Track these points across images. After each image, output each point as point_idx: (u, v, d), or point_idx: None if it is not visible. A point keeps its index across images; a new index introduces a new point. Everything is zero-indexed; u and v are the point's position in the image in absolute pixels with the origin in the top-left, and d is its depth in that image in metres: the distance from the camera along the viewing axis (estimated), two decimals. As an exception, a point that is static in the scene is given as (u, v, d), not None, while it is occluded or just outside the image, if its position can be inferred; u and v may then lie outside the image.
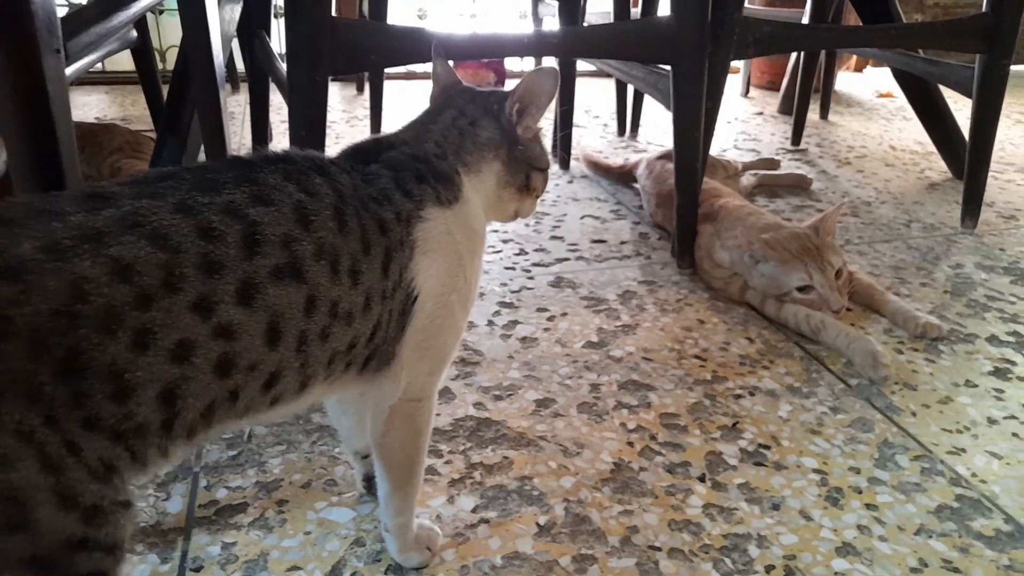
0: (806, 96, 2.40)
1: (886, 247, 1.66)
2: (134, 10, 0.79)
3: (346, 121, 2.61)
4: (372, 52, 1.14)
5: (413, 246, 0.66)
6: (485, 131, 0.75)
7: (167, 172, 0.57)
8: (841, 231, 1.75)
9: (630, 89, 2.51)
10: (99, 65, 3.06)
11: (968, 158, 1.71)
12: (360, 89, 3.10)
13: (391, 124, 2.54)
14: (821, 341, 1.22)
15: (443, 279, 0.69)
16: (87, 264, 0.48)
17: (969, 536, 0.85)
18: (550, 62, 3.15)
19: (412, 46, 1.15)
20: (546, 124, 2.58)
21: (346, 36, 1.11)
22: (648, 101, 2.72)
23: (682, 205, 1.43)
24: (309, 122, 1.13)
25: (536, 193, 0.80)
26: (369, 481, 0.85)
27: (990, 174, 2.20)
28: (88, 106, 2.75)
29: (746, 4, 3.13)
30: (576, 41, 1.26)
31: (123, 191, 0.53)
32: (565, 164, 2.18)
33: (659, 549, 0.81)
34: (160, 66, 3.03)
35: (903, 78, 2.11)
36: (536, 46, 1.22)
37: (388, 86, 3.26)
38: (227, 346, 0.54)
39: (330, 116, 2.68)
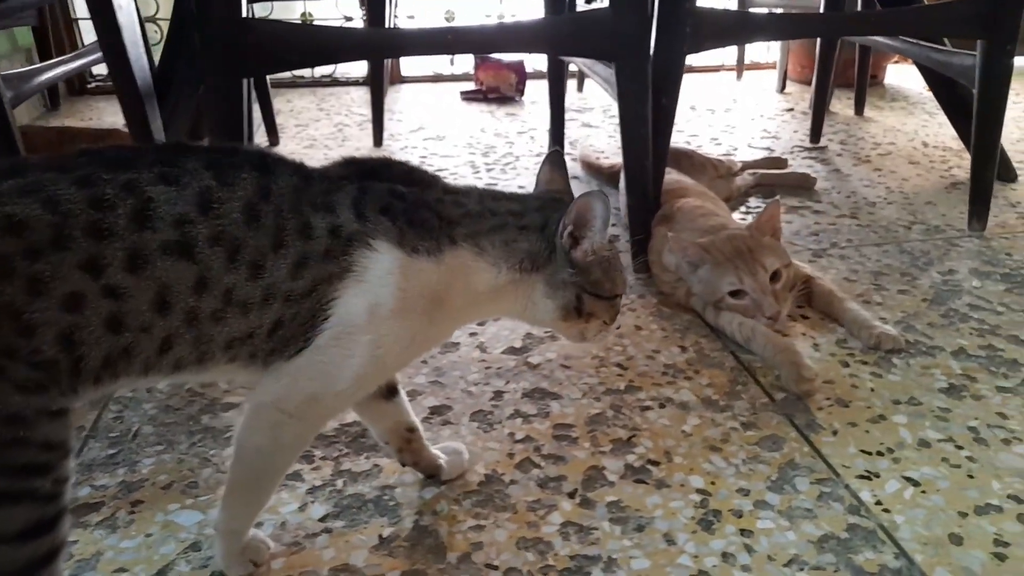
0: (823, 91, 2.26)
1: (874, 251, 1.54)
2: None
3: (359, 125, 2.64)
4: (289, 52, 1.13)
5: (348, 268, 0.65)
6: (527, 242, 0.74)
7: (96, 149, 0.63)
8: (832, 233, 1.64)
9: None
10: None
11: (973, 154, 1.57)
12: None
13: (406, 126, 2.57)
14: (753, 350, 1.14)
15: (362, 316, 0.66)
16: None
17: (847, 571, 0.77)
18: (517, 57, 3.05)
19: (331, 45, 1.14)
20: (542, 124, 2.52)
21: (261, 37, 1.11)
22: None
23: (633, 207, 1.37)
24: (226, 126, 1.14)
25: (600, 319, 0.78)
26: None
27: (1027, 171, 2.03)
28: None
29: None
30: (503, 36, 1.22)
31: (39, 163, 0.60)
32: (560, 165, 2.13)
33: (496, 568, 0.77)
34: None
35: (921, 66, 1.96)
36: (458, 43, 1.19)
37: (411, 88, 3.31)
38: (115, 305, 0.59)
39: (343, 119, 2.72)
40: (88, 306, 0.58)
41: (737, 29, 1.39)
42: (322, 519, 0.84)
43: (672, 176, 1.57)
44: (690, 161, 1.79)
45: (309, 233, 0.64)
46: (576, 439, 0.97)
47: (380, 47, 1.18)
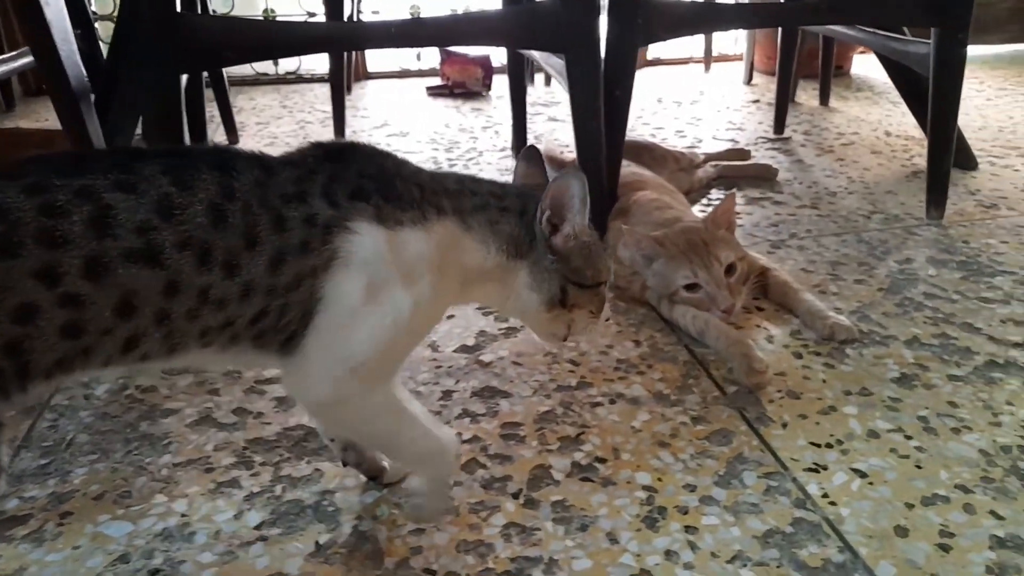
0: (786, 82, 2.26)
1: (833, 240, 1.54)
2: None
3: (321, 122, 2.60)
4: (225, 48, 1.10)
5: (332, 256, 0.64)
6: (508, 226, 0.72)
7: (47, 156, 0.61)
8: (791, 223, 1.64)
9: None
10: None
11: (929, 143, 1.57)
12: (348, 89, 3.09)
13: (370, 123, 2.54)
14: (706, 343, 1.13)
15: (357, 294, 0.65)
16: None
17: (790, 566, 0.76)
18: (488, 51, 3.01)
19: (268, 40, 1.11)
20: (507, 119, 2.51)
21: (195, 32, 1.08)
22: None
23: (588, 200, 1.35)
24: (162, 124, 1.10)
25: (585, 309, 0.77)
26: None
27: (988, 159, 2.05)
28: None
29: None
30: (453, 29, 1.19)
31: None
32: (523, 159, 2.11)
33: (434, 573, 0.75)
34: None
35: (880, 55, 1.96)
36: (403, 36, 1.16)
37: (377, 85, 3.28)
38: (73, 313, 0.56)
39: (306, 116, 2.69)
40: (42, 316, 0.55)
41: (692, 19, 1.37)
42: (257, 527, 0.82)
43: (630, 169, 1.55)
44: (651, 154, 1.78)
45: (283, 226, 0.63)
46: (524, 438, 0.96)
47: (321, 41, 1.15)
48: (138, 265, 0.58)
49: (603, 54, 1.32)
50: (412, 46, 1.02)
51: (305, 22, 1.02)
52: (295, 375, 0.68)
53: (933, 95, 1.52)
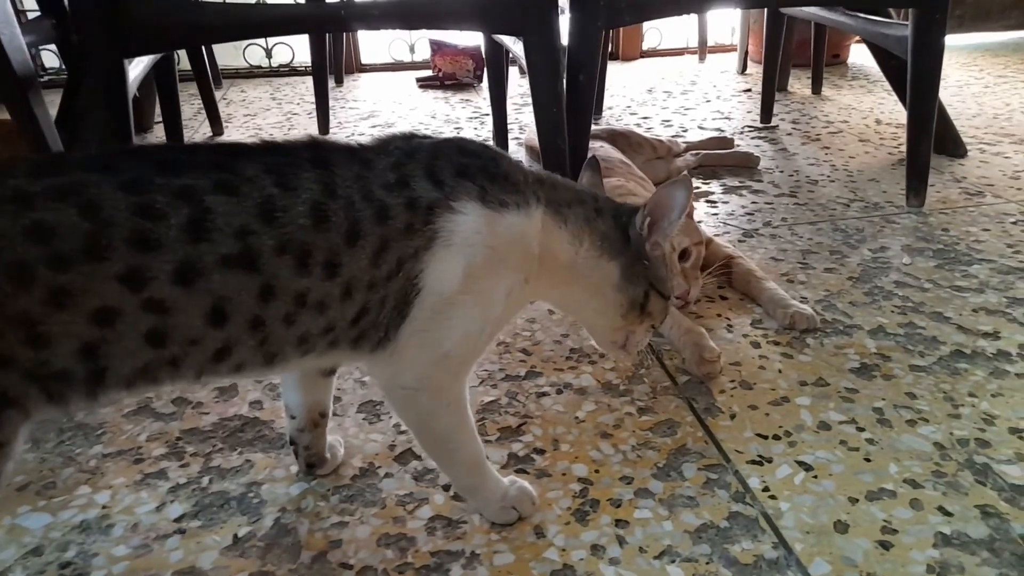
0: (772, 70, 2.21)
1: (808, 229, 1.50)
2: None
3: (308, 114, 2.58)
4: (174, 31, 1.08)
5: (433, 236, 0.63)
6: (604, 225, 0.72)
7: (142, 148, 0.61)
8: (767, 212, 1.60)
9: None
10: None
11: (908, 129, 1.53)
12: (339, 81, 3.07)
13: (357, 114, 2.51)
14: (660, 333, 1.10)
15: (455, 278, 0.64)
16: (5, 222, 0.51)
17: (720, 562, 0.73)
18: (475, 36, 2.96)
19: (221, 22, 1.09)
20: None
21: (141, 14, 1.06)
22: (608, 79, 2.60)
23: (550, 187, 1.32)
24: (107, 111, 1.09)
25: (651, 323, 0.78)
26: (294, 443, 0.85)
27: (979, 146, 2.00)
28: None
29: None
30: (412, 10, 1.16)
31: (81, 162, 0.56)
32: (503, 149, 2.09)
33: (350, 568, 0.73)
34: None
35: (866, 40, 1.91)
36: (364, 17, 1.13)
37: (370, 77, 3.25)
38: (158, 320, 0.55)
39: (294, 108, 2.67)
40: (124, 320, 0.54)
41: (658, 1, 1.34)
42: (178, 519, 0.80)
43: (601, 153, 1.52)
44: (627, 140, 1.75)
45: (386, 214, 0.61)
46: (463, 429, 0.93)
47: (275, 23, 1.13)
48: (232, 270, 0.56)
49: (566, 38, 1.29)
50: (370, 28, 0.99)
51: (257, 4, 1.00)
52: (383, 361, 0.67)
53: (912, 79, 1.47)
